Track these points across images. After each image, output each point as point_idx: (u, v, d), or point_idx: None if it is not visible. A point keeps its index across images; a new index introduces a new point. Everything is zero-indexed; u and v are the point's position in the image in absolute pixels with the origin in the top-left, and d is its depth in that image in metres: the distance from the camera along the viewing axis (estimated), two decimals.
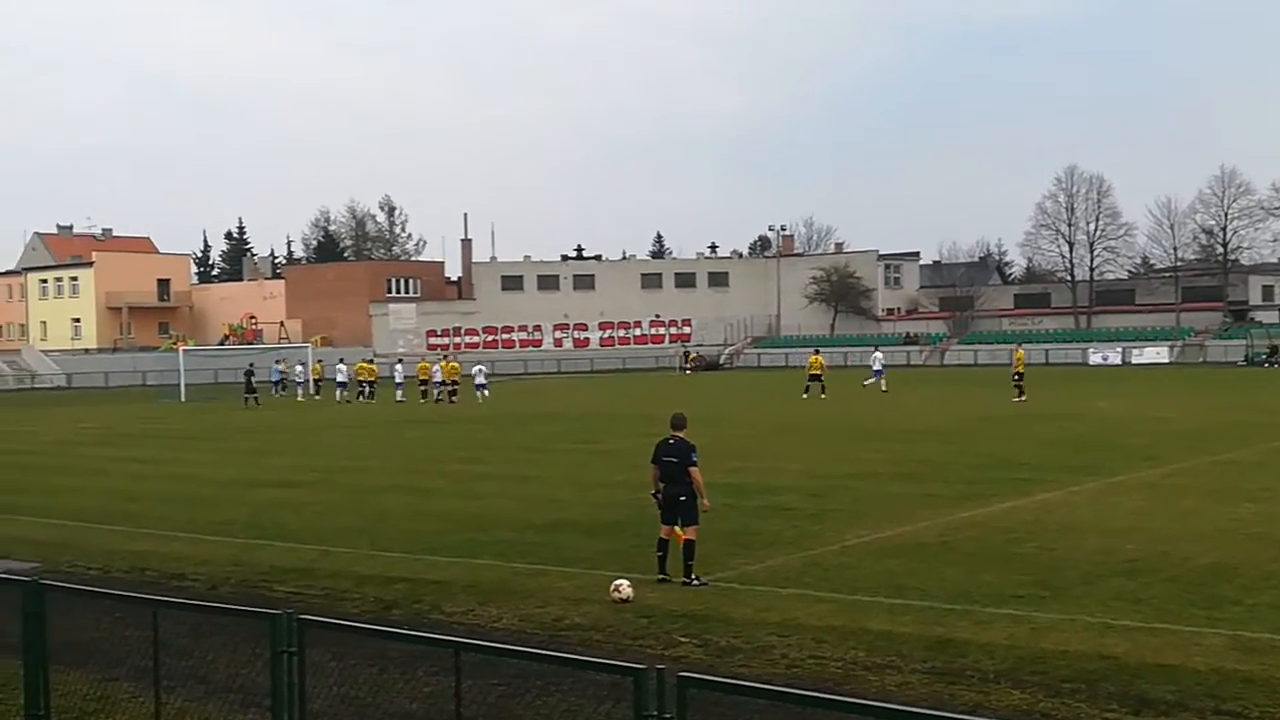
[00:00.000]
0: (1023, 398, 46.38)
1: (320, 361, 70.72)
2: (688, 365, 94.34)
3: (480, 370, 58.99)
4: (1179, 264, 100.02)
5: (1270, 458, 26.48)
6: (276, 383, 68.41)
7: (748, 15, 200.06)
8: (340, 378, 61.55)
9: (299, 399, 63.41)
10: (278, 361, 71.45)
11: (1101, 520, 18.38)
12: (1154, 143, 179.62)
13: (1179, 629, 12.04)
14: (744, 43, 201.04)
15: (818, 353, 56.03)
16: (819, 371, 52.50)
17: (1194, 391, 51.75)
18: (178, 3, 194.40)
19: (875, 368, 57.58)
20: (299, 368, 68.77)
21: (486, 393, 56.42)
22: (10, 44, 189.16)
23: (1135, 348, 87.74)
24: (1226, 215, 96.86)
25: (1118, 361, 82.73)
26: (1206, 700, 9.90)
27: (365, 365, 63.39)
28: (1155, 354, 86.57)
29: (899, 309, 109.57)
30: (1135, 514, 18.89)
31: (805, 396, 51.11)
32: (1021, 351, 51.22)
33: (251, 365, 62.61)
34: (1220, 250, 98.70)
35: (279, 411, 53.71)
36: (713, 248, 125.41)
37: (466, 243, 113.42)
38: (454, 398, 55.28)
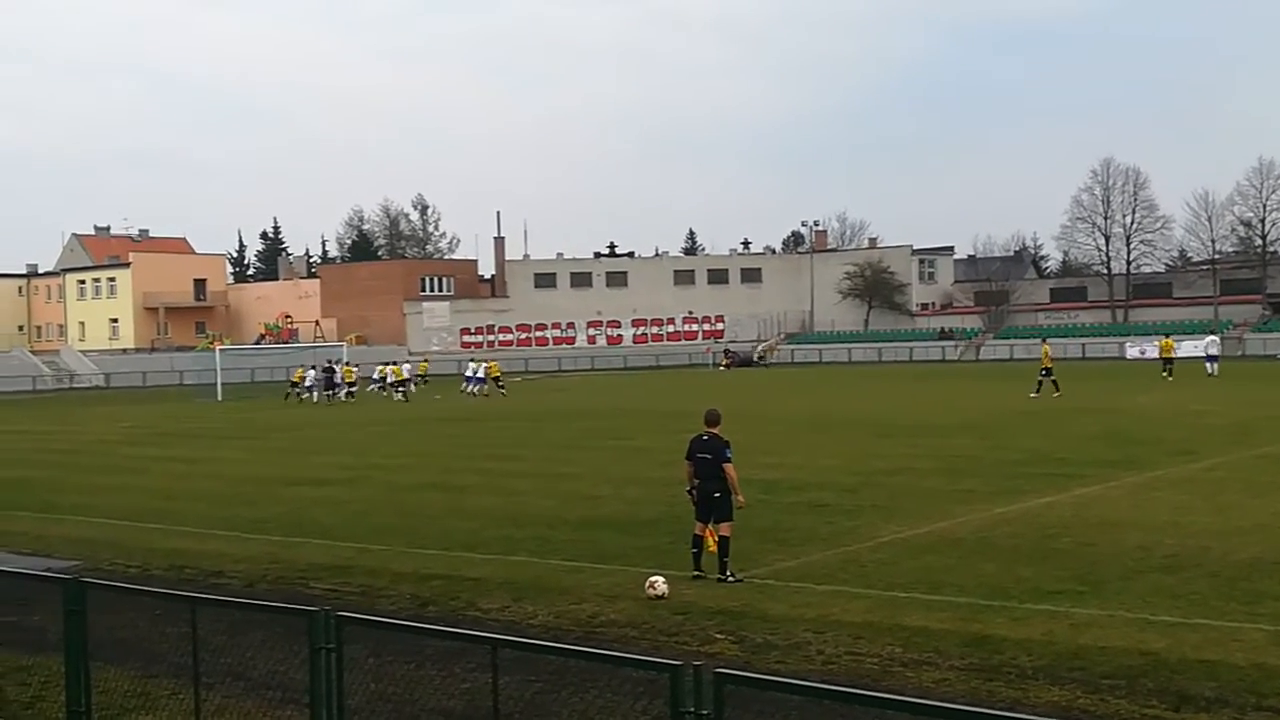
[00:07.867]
0: (1047, 393, 45.20)
1: (407, 362, 69.44)
2: (725, 363, 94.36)
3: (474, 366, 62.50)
4: (1217, 256, 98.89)
5: None
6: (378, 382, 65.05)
7: (772, 10, 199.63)
8: (469, 372, 62.87)
9: (388, 398, 60.97)
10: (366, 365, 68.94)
11: (1140, 515, 18.22)
12: (1191, 135, 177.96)
13: (1219, 624, 11.92)
14: (771, 38, 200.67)
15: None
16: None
17: (1233, 385, 51.18)
18: (212, 6, 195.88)
19: (1209, 353, 56.04)
20: (391, 367, 64.69)
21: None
22: (43, 49, 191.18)
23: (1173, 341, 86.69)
24: (1265, 207, 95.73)
25: (1155, 355, 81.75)
26: (1247, 696, 9.80)
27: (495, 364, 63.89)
28: (1193, 348, 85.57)
29: (933, 304, 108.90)
30: (1174, 509, 18.72)
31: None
32: (1047, 346, 51.04)
33: (330, 363, 62.90)
34: (1259, 242, 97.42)
35: (328, 410, 53.93)
36: (745, 244, 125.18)
37: (499, 240, 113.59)
38: (501, 390, 59.95)
